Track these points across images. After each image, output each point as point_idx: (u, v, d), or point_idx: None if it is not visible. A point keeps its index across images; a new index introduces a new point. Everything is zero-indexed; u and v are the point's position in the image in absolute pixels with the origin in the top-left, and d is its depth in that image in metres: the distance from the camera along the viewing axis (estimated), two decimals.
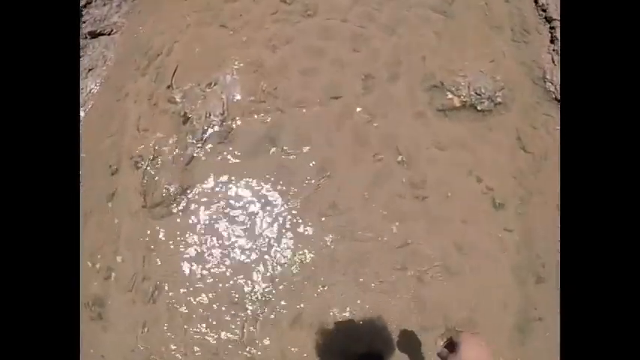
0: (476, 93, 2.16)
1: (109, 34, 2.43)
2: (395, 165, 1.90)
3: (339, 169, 1.87)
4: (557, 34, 2.48)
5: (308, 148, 1.89)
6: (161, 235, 1.99)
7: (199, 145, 1.93)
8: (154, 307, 1.91)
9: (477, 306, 1.89)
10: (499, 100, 2.21)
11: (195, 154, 1.94)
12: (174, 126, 2.01)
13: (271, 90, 1.98)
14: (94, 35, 2.38)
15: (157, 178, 1.99)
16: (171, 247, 1.95)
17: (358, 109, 1.95)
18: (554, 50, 2.49)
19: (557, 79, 2.34)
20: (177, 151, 1.96)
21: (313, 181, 1.86)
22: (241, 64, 2.05)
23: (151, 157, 2.03)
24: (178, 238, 1.95)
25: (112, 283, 1.97)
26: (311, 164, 1.89)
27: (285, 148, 1.89)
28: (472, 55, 2.29)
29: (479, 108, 2.14)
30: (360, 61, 2.06)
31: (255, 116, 1.93)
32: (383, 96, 1.99)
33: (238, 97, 1.97)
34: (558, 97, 2.30)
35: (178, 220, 1.93)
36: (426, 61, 2.16)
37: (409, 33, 2.24)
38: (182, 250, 1.90)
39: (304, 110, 1.93)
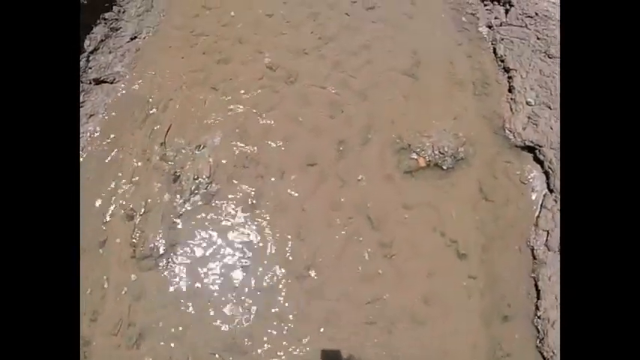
0: (440, 152, 2.38)
1: (112, 83, 2.62)
2: (365, 227, 2.08)
3: (313, 233, 2.04)
4: (515, 82, 2.78)
5: (286, 213, 2.06)
6: (148, 286, 2.11)
7: (187, 205, 2.08)
8: (137, 353, 2.00)
9: (447, 352, 2.02)
10: (461, 155, 2.44)
11: (182, 213, 2.10)
12: (165, 183, 2.17)
13: (254, 156, 2.17)
14: (97, 82, 2.57)
15: (146, 231, 2.13)
16: (157, 298, 2.06)
17: (332, 175, 2.14)
18: (512, 99, 2.78)
19: (515, 126, 2.60)
20: (166, 208, 2.11)
21: (290, 243, 2.02)
22: (229, 129, 2.25)
23: (142, 210, 2.18)
24: (163, 291, 2.06)
25: (97, 326, 2.06)
26: (288, 228, 2.06)
27: (265, 212, 2.06)
28: (437, 114, 2.54)
29: (443, 167, 2.35)
30: (335, 128, 2.28)
31: (239, 181, 2.11)
32: (355, 161, 2.20)
33: (224, 161, 2.15)
34: (517, 143, 2.55)
35: (164, 274, 2.06)
36: (395, 124, 2.39)
37: (380, 97, 2.49)
38: (166, 302, 2.02)
39: (283, 177, 2.11)
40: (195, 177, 2.15)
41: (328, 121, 2.32)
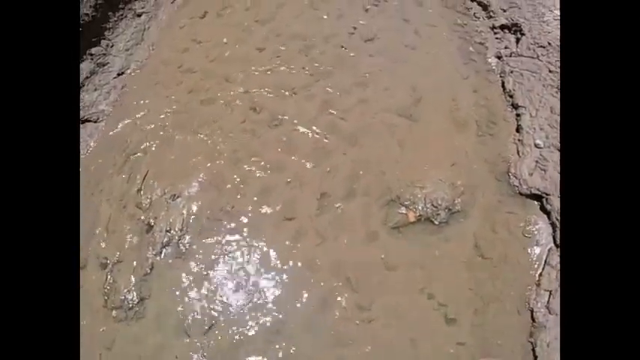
0: (433, 205, 2.19)
1: (95, 122, 2.58)
2: (343, 289, 1.92)
3: (285, 294, 1.90)
4: (523, 121, 2.54)
5: (259, 272, 1.93)
6: (118, 337, 2.04)
7: (158, 257, 2.00)
8: None
9: None
10: (458, 208, 2.24)
11: (154, 266, 2.01)
12: (139, 233, 2.10)
13: (229, 209, 2.05)
14: (81, 122, 2.52)
15: (118, 282, 2.07)
16: (127, 350, 1.99)
17: (311, 231, 1.99)
18: (519, 140, 2.54)
19: (520, 171, 2.37)
20: (139, 259, 2.03)
21: (260, 305, 1.90)
22: (205, 178, 2.15)
23: (116, 260, 2.11)
24: (133, 344, 1.99)
25: None
26: (260, 288, 1.93)
27: (236, 270, 1.95)
28: (434, 160, 2.35)
29: (435, 222, 2.16)
30: (318, 178, 2.14)
31: (212, 236, 2.00)
32: (337, 216, 2.05)
33: (198, 213, 2.06)
34: (522, 190, 2.32)
35: (135, 327, 1.98)
36: (385, 175, 2.22)
37: (371, 143, 2.32)
38: (136, 355, 1.94)
39: (258, 232, 1.99)
40: (168, 229, 2.06)
41: (311, 170, 2.18)
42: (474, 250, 2.18)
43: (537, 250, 2.16)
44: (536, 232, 2.20)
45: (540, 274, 2.10)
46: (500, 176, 2.40)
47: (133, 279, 2.07)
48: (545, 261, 2.14)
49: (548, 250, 2.15)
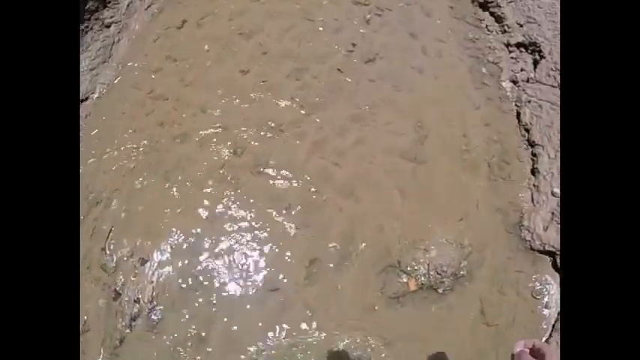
0: (437, 272, 1.93)
1: None
2: None
3: None
4: (540, 163, 2.26)
5: (238, 353, 1.68)
6: None
7: (127, 330, 1.75)
8: None
9: None
10: (464, 272, 1.98)
11: (124, 338, 1.77)
12: (106, 300, 1.85)
13: (206, 277, 1.78)
14: None
15: (87, 353, 1.83)
16: None
17: (298, 304, 1.74)
18: (534, 186, 2.26)
19: (534, 224, 2.11)
20: (107, 329, 1.79)
21: None
22: (178, 239, 1.86)
23: (82, 328, 1.86)
24: None
25: None
26: None
27: (213, 349, 1.70)
28: (439, 214, 2.07)
29: (439, 290, 1.91)
30: (307, 241, 1.86)
31: (186, 309, 1.74)
32: (327, 286, 1.79)
33: (170, 281, 1.79)
34: (534, 245, 2.08)
35: None
36: (384, 233, 1.94)
37: (369, 194, 2.03)
38: None
39: (238, 305, 1.73)
40: (137, 299, 1.80)
41: (299, 230, 1.89)
42: (479, 316, 1.94)
43: (546, 313, 1.94)
44: (546, 294, 1.97)
45: (547, 340, 1.90)
46: (511, 228, 2.13)
47: (102, 351, 1.83)
48: (554, 326, 1.93)
49: (558, 314, 1.94)
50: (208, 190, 1.97)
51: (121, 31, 2.62)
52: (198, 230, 1.91)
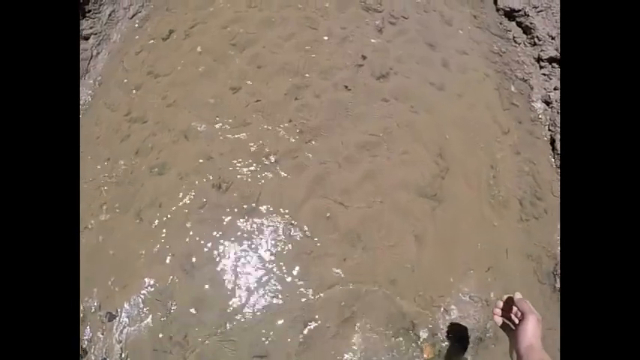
0: (457, 337, 1.57)
1: None
2: None
3: None
4: None
5: None
6: None
7: None
8: None
9: None
10: (490, 334, 1.63)
11: None
12: None
13: (180, 339, 1.46)
14: None
15: None
16: None
17: None
18: None
19: None
20: None
21: None
22: (150, 292, 1.55)
23: None
24: None
25: None
26: None
27: None
28: (462, 265, 1.71)
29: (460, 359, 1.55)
30: (299, 297, 1.53)
31: None
32: (324, 354, 1.44)
33: (140, 342, 1.47)
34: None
35: None
36: (396, 286, 1.60)
37: (379, 241, 1.68)
38: None
39: None
40: (104, 358, 1.49)
41: (291, 285, 1.55)
42: None
43: None
44: None
45: None
46: (544, 278, 1.79)
47: None
48: None
49: None
50: (187, 233, 1.65)
51: (100, 44, 2.33)
52: (175, 280, 1.59)
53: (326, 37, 2.24)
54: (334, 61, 2.14)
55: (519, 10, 2.48)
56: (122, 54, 2.30)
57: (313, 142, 1.85)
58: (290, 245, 1.63)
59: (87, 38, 2.27)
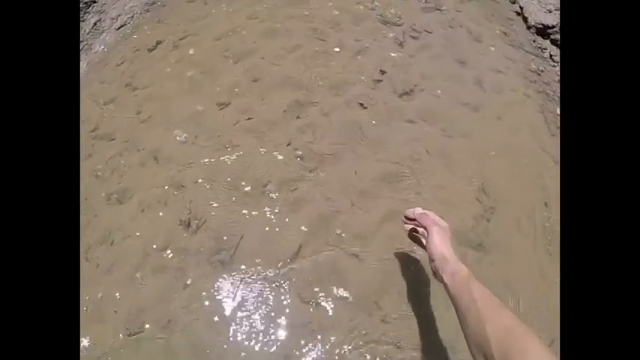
0: None
1: None
2: None
3: None
4: None
5: None
6: None
7: None
8: None
9: None
10: None
11: None
12: None
13: None
14: None
15: None
16: None
17: None
18: None
19: None
20: None
21: None
22: (82, 354, 1.06)
23: None
24: None
25: None
26: None
27: None
28: None
29: None
30: None
31: None
32: None
33: None
34: None
35: None
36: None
37: (405, 311, 1.16)
38: None
39: None
40: None
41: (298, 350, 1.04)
42: None
43: None
44: None
45: None
46: None
47: None
48: None
49: None
50: (138, 284, 1.17)
51: (80, 52, 2.02)
52: (115, 345, 1.10)
53: (337, 49, 1.89)
54: (347, 75, 1.77)
55: (552, 27, 2.13)
56: (102, 64, 1.98)
57: (318, 172, 1.42)
58: (280, 315, 1.13)
59: None
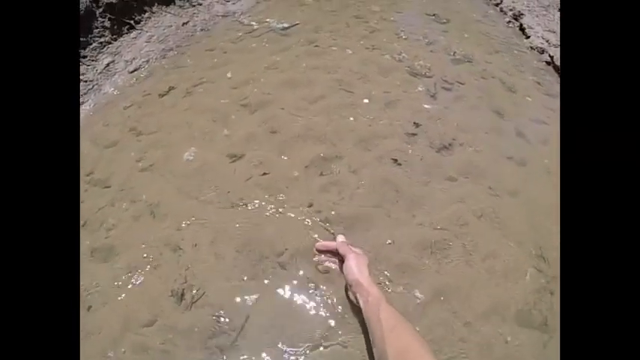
0: None
1: None
2: None
3: None
4: None
5: None
6: None
7: None
8: None
9: None
10: None
11: None
12: None
13: None
14: None
15: None
16: None
17: None
18: None
19: None
20: None
21: None
22: None
23: None
24: None
25: None
26: None
27: None
28: None
29: None
30: None
31: None
32: None
33: None
34: None
35: None
36: None
37: None
38: None
39: None
40: None
41: None
42: None
43: None
44: None
45: None
46: None
47: None
48: None
49: None
50: None
51: (88, 93, 2.02)
52: None
53: (366, 101, 1.84)
54: (377, 127, 1.68)
55: None
56: (109, 107, 1.95)
57: (345, 239, 1.24)
58: None
59: None
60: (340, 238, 1.11)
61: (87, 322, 1.08)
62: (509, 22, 3.46)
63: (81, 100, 2.00)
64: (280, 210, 1.33)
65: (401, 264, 1.18)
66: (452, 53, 2.38)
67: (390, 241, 1.24)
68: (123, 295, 1.13)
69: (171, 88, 2.00)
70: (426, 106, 1.81)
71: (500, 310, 1.12)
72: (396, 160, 1.51)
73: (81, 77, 2.07)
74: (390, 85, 1.95)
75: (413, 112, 1.76)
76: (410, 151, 1.56)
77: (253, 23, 2.72)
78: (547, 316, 1.13)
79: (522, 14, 3.42)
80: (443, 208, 1.35)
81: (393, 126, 1.67)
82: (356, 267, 0.95)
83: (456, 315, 1.09)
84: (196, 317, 1.07)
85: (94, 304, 1.13)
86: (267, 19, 2.81)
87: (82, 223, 1.35)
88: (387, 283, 1.14)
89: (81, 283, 1.18)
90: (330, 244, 1.09)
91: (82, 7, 2.19)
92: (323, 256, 1.13)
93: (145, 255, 1.22)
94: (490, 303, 1.13)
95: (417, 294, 1.12)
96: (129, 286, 1.15)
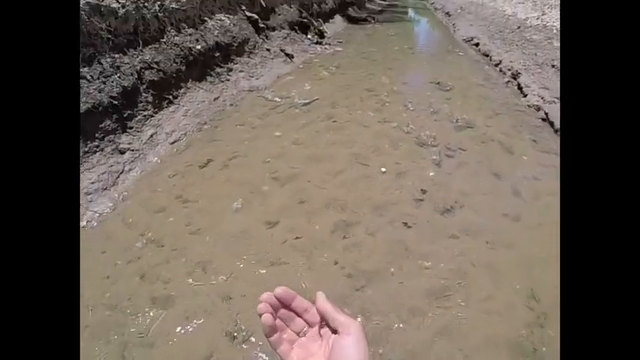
0: None
1: None
2: None
3: None
4: None
5: None
6: None
7: None
8: None
9: None
10: None
11: None
12: None
13: None
14: None
15: None
16: None
17: None
18: None
19: None
20: None
21: None
22: None
23: None
24: None
25: None
26: None
27: None
28: None
29: None
30: None
31: None
32: None
33: None
34: None
35: None
36: None
37: None
38: None
39: None
40: None
41: None
42: None
43: None
44: None
45: None
46: None
47: None
48: None
49: None
50: None
51: (134, 161, 2.53)
52: None
53: (383, 169, 2.31)
54: (389, 196, 2.13)
55: None
56: (155, 174, 2.44)
57: (366, 290, 1.63)
58: None
59: (123, 152, 2.48)
60: (322, 296, 0.57)
61: (151, 357, 1.44)
62: (509, 81, 4.07)
63: (129, 166, 2.50)
64: (311, 267, 1.73)
65: (412, 308, 1.55)
66: (455, 120, 2.91)
67: (402, 290, 1.62)
68: (179, 336, 1.50)
69: (209, 161, 2.52)
70: (431, 174, 2.28)
71: (496, 341, 1.45)
72: (406, 224, 1.93)
73: (128, 145, 2.59)
74: (400, 157, 2.43)
75: (420, 181, 2.22)
76: (418, 215, 1.99)
77: (277, 99, 3.33)
78: (537, 345, 1.45)
79: (519, 73, 4.02)
80: (445, 260, 1.74)
81: (402, 194, 2.12)
82: (362, 353, 0.49)
83: (456, 348, 1.43)
84: (246, 352, 1.42)
85: (156, 343, 1.48)
86: (289, 95, 3.43)
87: (140, 274, 1.76)
88: (400, 322, 1.50)
89: (141, 326, 1.55)
90: (300, 301, 0.57)
91: (128, 83, 2.77)
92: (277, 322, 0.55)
93: (199, 303, 1.61)
94: (486, 335, 1.46)
95: (424, 332, 1.47)
96: (187, 327, 1.52)
